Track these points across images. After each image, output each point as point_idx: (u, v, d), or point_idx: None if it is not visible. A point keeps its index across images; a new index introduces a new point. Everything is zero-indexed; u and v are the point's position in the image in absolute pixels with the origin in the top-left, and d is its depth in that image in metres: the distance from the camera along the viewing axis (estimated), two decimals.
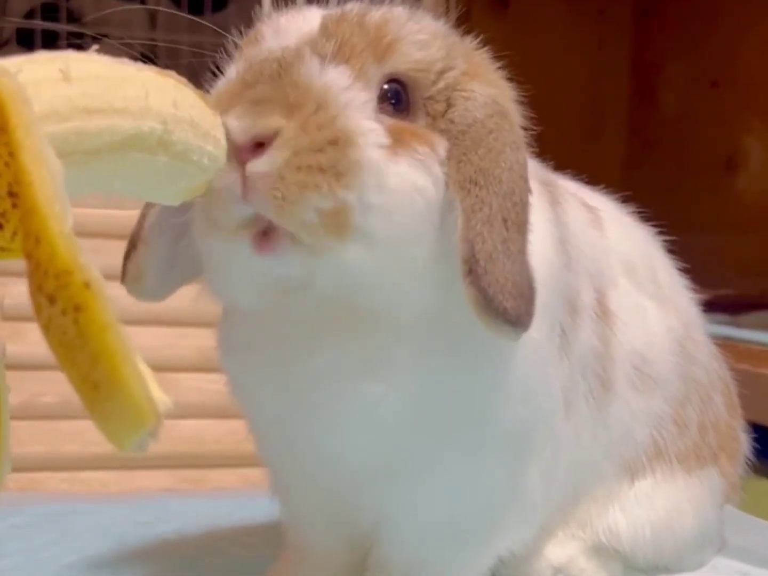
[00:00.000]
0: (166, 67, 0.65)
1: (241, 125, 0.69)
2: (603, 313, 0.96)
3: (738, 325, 2.27)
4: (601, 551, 1.01)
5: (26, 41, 2.89)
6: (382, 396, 0.77)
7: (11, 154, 0.49)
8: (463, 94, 0.79)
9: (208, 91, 0.77)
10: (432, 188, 0.75)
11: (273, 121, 0.69)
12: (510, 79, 0.85)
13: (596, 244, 0.99)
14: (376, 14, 0.79)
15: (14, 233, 0.51)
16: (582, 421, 0.94)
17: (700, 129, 3.14)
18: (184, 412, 1.36)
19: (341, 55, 0.75)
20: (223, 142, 0.68)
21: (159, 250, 0.83)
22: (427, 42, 0.79)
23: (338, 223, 0.70)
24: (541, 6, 3.26)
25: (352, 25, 0.76)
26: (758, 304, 2.49)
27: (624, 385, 0.99)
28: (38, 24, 2.83)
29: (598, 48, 3.40)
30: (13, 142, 0.48)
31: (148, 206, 0.84)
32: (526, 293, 0.74)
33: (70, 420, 1.31)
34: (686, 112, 3.23)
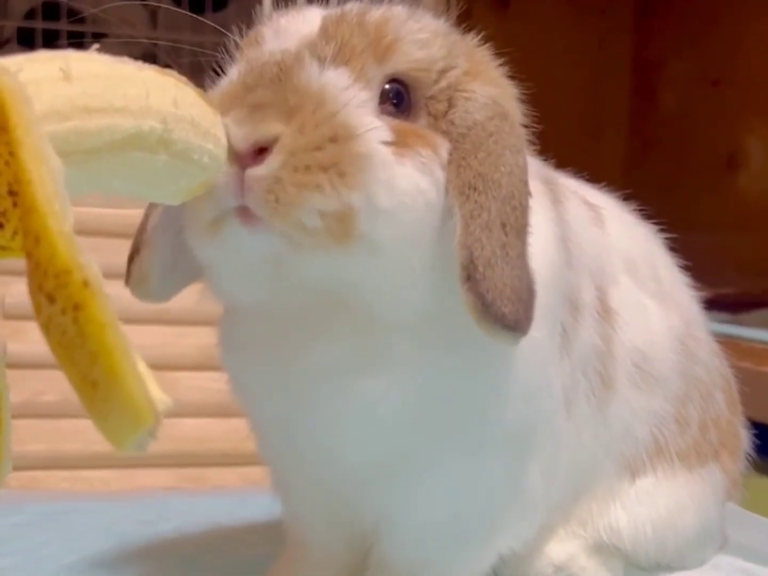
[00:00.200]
0: (168, 65, 0.65)
1: (241, 132, 0.69)
2: (604, 311, 0.96)
3: (739, 324, 2.28)
4: (602, 549, 1.01)
5: (27, 40, 2.89)
6: (382, 393, 0.77)
7: (11, 153, 0.49)
8: (464, 94, 0.79)
9: (209, 90, 0.77)
10: (434, 192, 0.75)
11: (273, 127, 0.69)
12: (511, 78, 0.85)
13: (597, 242, 0.99)
14: (376, 14, 0.78)
15: (15, 232, 0.51)
16: (583, 420, 0.94)
17: (700, 128, 3.14)
18: (184, 410, 1.36)
19: (341, 57, 0.75)
20: (224, 141, 0.68)
21: (162, 251, 0.83)
22: (427, 41, 0.79)
23: (343, 229, 0.70)
24: (542, 5, 3.26)
25: (351, 26, 0.76)
26: (759, 303, 2.50)
27: (625, 384, 0.99)
28: (39, 24, 2.83)
29: (598, 47, 3.41)
30: (13, 141, 0.48)
31: (151, 208, 0.84)
32: (525, 297, 0.74)
33: (71, 418, 1.31)
34: (687, 110, 3.23)
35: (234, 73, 0.77)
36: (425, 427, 0.80)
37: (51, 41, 2.72)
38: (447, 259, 0.74)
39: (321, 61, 0.74)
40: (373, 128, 0.73)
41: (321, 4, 0.83)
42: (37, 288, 0.47)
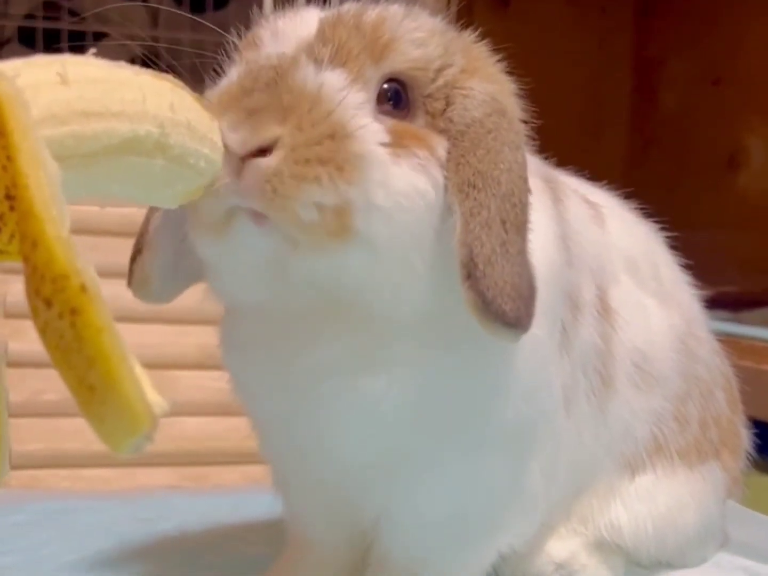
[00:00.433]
0: (168, 65, 0.65)
1: (238, 138, 0.69)
2: (604, 310, 0.96)
3: (740, 322, 2.28)
4: (602, 547, 1.01)
5: (28, 40, 2.89)
6: (382, 391, 0.77)
7: (9, 158, 0.49)
8: (462, 92, 0.79)
9: (208, 91, 0.77)
10: (432, 192, 0.75)
11: (270, 130, 0.69)
12: (510, 75, 0.85)
13: (598, 241, 0.99)
14: (373, 14, 0.78)
15: (12, 236, 0.51)
16: (583, 419, 0.94)
17: (701, 127, 3.13)
18: (185, 409, 1.37)
19: (338, 59, 0.75)
20: (220, 145, 0.68)
21: (164, 253, 0.84)
22: (424, 40, 0.79)
23: (340, 224, 0.70)
24: (542, 4, 3.25)
25: (348, 28, 0.76)
26: (760, 301, 2.49)
27: (624, 383, 0.99)
28: (39, 23, 2.83)
29: (599, 46, 3.40)
30: (10, 146, 0.48)
31: (153, 209, 0.84)
32: (526, 294, 0.74)
33: (72, 417, 1.31)
34: (687, 109, 3.23)
35: (232, 75, 0.77)
36: (425, 426, 0.80)
37: (52, 41, 2.72)
38: (447, 258, 0.74)
39: (318, 63, 0.74)
40: (369, 129, 0.73)
41: (319, 5, 0.83)
42: (34, 292, 0.47)
